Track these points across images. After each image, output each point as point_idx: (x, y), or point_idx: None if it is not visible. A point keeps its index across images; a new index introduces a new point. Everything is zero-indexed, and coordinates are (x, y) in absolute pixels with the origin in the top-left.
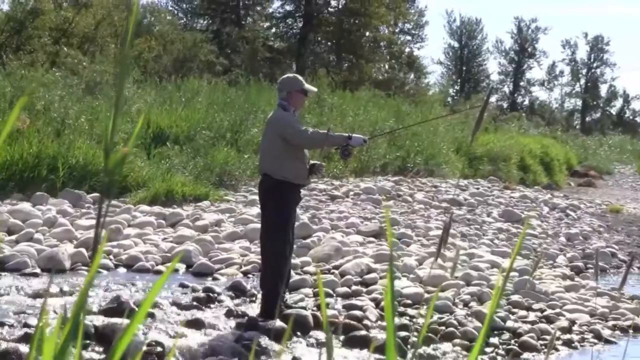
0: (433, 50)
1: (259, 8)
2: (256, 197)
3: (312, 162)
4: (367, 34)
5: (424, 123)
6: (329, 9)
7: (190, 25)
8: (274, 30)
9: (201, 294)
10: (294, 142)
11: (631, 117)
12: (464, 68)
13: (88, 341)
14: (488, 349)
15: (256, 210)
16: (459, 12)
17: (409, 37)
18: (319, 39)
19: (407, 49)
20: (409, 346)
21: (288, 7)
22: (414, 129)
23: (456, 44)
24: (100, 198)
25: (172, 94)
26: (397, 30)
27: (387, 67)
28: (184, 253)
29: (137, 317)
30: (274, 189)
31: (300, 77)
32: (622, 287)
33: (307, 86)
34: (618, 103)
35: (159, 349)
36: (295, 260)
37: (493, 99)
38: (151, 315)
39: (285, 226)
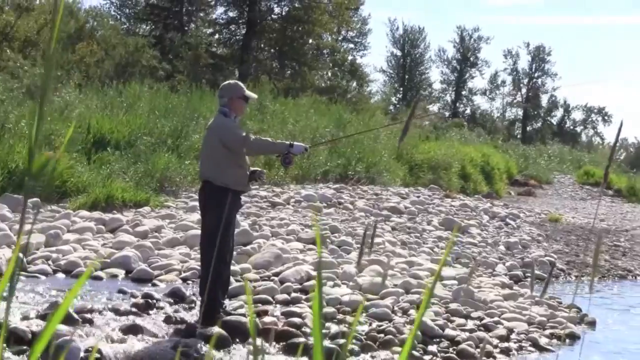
0: (376, 59)
1: (202, 14)
2: (197, 204)
3: (252, 168)
4: (310, 41)
5: (367, 132)
6: (272, 15)
7: (133, 31)
8: (217, 36)
9: (140, 300)
10: (236, 148)
11: (571, 127)
12: (407, 76)
13: (25, 347)
14: (426, 357)
15: (197, 216)
16: (402, 21)
17: (352, 45)
18: (262, 45)
19: (350, 57)
20: (347, 353)
21: (231, 14)
22: (356, 137)
23: (399, 53)
24: (24, 201)
25: (113, 99)
26: (340, 38)
27: (329, 74)
28: (122, 259)
29: (54, 320)
30: (215, 195)
31: (240, 84)
32: (543, 295)
33: (248, 92)
34: (559, 113)
35: (97, 355)
36: (235, 267)
37: (435, 107)
38: (89, 322)
39: (226, 233)
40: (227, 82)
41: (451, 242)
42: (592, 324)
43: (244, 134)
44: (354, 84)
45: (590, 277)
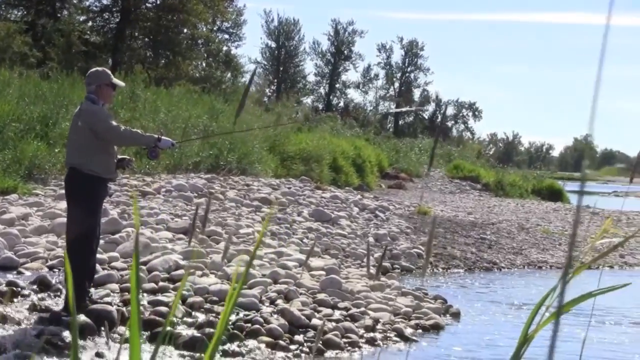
0: (250, 50)
1: (75, 1)
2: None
3: (120, 156)
4: (185, 31)
5: (247, 131)
6: (147, 4)
7: (4, 16)
8: (90, 24)
9: (4, 288)
10: (105, 137)
11: (442, 122)
12: (281, 68)
13: None
14: (293, 347)
15: (65, 204)
16: (277, 13)
17: (226, 36)
18: (136, 34)
19: (225, 48)
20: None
21: (105, 1)
22: (228, 127)
23: (274, 44)
24: None
25: None
26: (215, 29)
27: (204, 65)
28: None
29: None
30: (82, 183)
31: (108, 71)
32: (377, 276)
33: (115, 80)
34: (430, 107)
35: None
36: (103, 256)
37: (309, 100)
38: None
39: (92, 220)
40: (94, 69)
41: (268, 218)
42: (456, 315)
43: (114, 123)
44: (229, 74)
45: (457, 268)
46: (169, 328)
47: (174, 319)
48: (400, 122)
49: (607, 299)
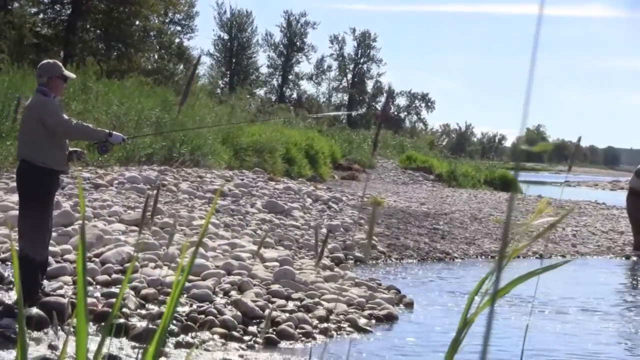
0: (203, 42)
1: None
2: None
3: (72, 149)
4: (137, 23)
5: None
6: None
7: None
8: (41, 16)
9: None
10: (56, 130)
11: (395, 113)
12: (234, 60)
13: None
14: (246, 337)
15: (17, 197)
16: (229, 4)
17: (179, 28)
18: (88, 26)
19: (177, 40)
20: (167, 334)
21: None
22: (180, 118)
23: (226, 36)
24: None
25: None
26: (167, 21)
27: (156, 57)
28: None
29: None
30: (33, 175)
31: (59, 63)
32: (318, 262)
33: (67, 72)
34: (383, 98)
35: None
36: (56, 248)
37: (262, 91)
38: None
39: (44, 213)
40: (45, 61)
41: (213, 205)
42: (409, 305)
43: (65, 117)
44: (181, 66)
45: (411, 258)
46: (122, 320)
47: (127, 310)
48: (353, 114)
49: (555, 288)
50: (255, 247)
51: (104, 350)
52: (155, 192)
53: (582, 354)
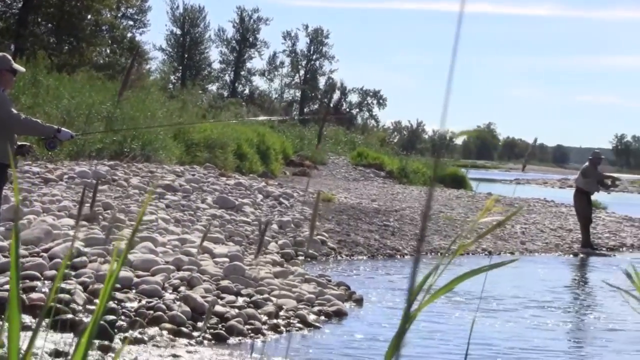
0: (155, 37)
1: None
2: None
3: (20, 143)
4: (89, 17)
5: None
6: None
7: None
8: None
9: None
10: (5, 124)
11: (347, 109)
12: (186, 55)
13: None
14: (195, 333)
15: None
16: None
17: (131, 22)
18: (39, 20)
19: (129, 34)
20: (115, 330)
21: None
22: (131, 113)
23: (179, 31)
24: None
25: None
26: (119, 15)
27: (108, 51)
28: None
29: None
30: None
31: (8, 56)
32: (257, 254)
33: (16, 65)
34: (336, 95)
35: None
36: (3, 243)
37: (214, 87)
38: None
39: None
40: None
41: (145, 205)
42: (359, 301)
43: (14, 111)
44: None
45: (361, 255)
46: (70, 315)
47: (75, 306)
48: (305, 110)
49: (502, 285)
50: (205, 243)
51: (52, 346)
52: (95, 185)
53: (527, 347)
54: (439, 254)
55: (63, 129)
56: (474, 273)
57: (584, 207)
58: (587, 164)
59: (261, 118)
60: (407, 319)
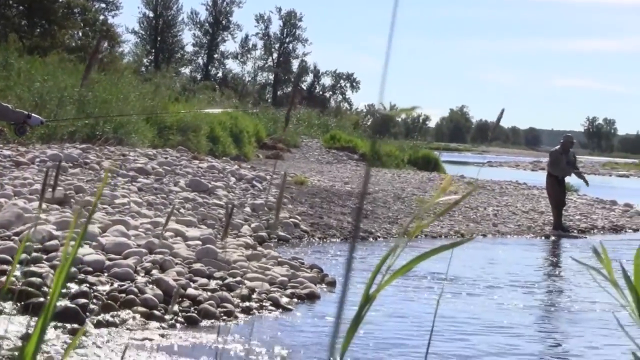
0: (128, 19)
1: None
2: None
3: None
4: None
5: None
6: None
7: None
8: None
9: None
10: None
11: (321, 92)
12: (159, 38)
13: None
14: (168, 316)
15: None
16: None
17: (103, 5)
18: (11, 2)
19: (102, 17)
20: (87, 313)
21: None
22: (104, 96)
23: (151, 14)
24: None
25: None
26: None
27: (80, 34)
28: None
29: None
30: None
31: None
32: (224, 237)
33: None
34: (309, 78)
35: None
36: None
37: (187, 70)
38: None
39: None
40: None
41: (101, 186)
42: (332, 284)
43: None
44: (105, 44)
45: (334, 238)
46: (42, 299)
47: (46, 289)
48: (279, 93)
49: (473, 266)
50: (178, 226)
51: (23, 330)
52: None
53: (494, 327)
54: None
55: (33, 114)
56: (432, 253)
57: (555, 190)
58: (557, 147)
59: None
60: (367, 300)
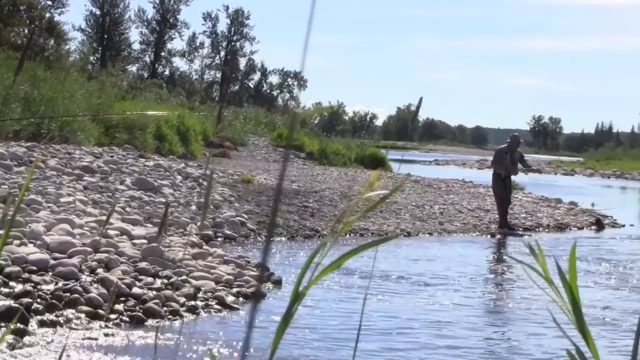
0: (74, 17)
1: None
2: None
3: None
4: None
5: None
6: None
7: None
8: None
9: None
10: None
11: (268, 91)
12: (106, 36)
13: None
14: (112, 316)
15: None
16: None
17: (50, 2)
18: None
19: (48, 14)
20: (31, 313)
21: None
22: (50, 94)
23: (98, 12)
24: None
25: None
26: None
27: (26, 31)
28: None
29: None
30: None
31: None
32: (159, 235)
33: None
34: (256, 76)
35: None
36: None
37: (134, 68)
38: None
39: None
40: None
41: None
42: (278, 283)
43: None
44: (52, 41)
45: (280, 236)
46: None
47: None
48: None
49: (415, 264)
50: (123, 225)
51: None
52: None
53: (425, 322)
54: (358, 234)
55: None
56: (361, 249)
57: (500, 189)
58: (503, 145)
59: (175, 112)
60: (296, 297)
